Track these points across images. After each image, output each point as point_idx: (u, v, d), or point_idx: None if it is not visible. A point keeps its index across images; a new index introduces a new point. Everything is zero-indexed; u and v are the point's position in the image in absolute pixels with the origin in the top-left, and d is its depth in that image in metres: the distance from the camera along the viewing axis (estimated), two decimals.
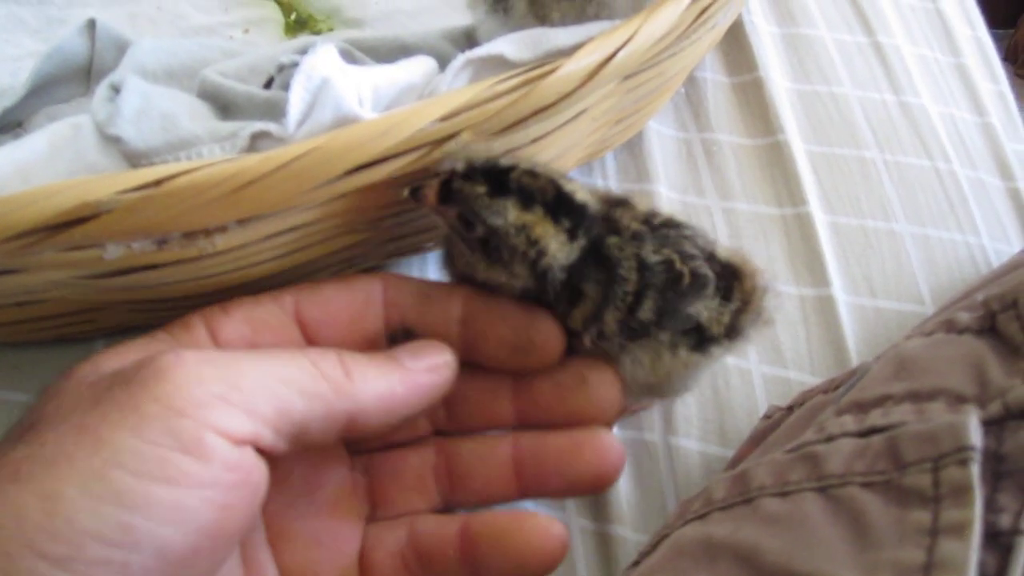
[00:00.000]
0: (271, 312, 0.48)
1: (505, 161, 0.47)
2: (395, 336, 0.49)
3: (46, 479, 0.35)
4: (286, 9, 0.81)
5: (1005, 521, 0.33)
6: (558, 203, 0.46)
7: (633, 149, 0.75)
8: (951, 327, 0.44)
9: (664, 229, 0.50)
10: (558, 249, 0.46)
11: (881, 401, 0.41)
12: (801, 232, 0.72)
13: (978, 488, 0.33)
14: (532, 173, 0.46)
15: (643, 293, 0.47)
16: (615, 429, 0.60)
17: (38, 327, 0.57)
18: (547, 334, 0.49)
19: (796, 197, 0.74)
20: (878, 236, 0.73)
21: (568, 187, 0.47)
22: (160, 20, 0.79)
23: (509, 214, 0.45)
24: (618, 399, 0.50)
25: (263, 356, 0.42)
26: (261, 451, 0.40)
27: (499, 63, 0.52)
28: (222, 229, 0.47)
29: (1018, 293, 0.41)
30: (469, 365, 0.49)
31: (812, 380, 0.63)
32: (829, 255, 0.71)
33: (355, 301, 0.49)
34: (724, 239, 0.71)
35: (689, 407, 0.62)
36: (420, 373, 0.46)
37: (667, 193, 0.73)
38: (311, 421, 0.41)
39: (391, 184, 0.48)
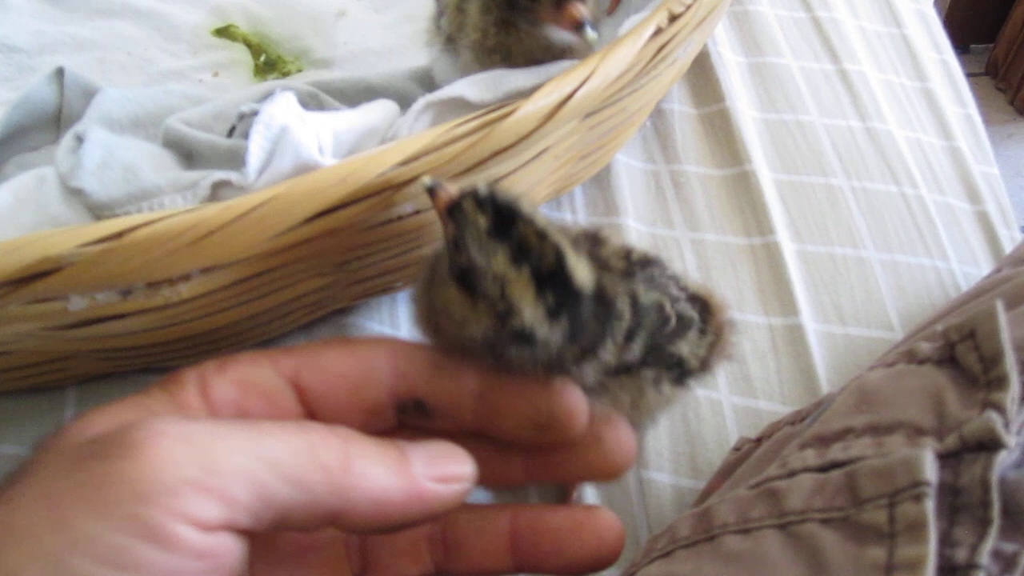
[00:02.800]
0: (266, 376, 0.45)
1: (525, 208, 0.43)
2: (405, 407, 0.47)
3: (10, 552, 0.34)
4: (255, 51, 0.82)
5: (961, 555, 0.33)
6: (551, 275, 0.43)
7: (601, 182, 0.76)
8: (912, 357, 0.44)
9: (645, 267, 0.50)
10: (533, 320, 0.43)
11: (843, 434, 0.41)
12: (769, 261, 0.73)
13: (932, 524, 0.33)
14: (542, 233, 0.43)
15: (633, 333, 0.47)
16: None
17: (8, 377, 0.57)
18: (569, 409, 0.46)
19: (764, 226, 0.75)
20: (846, 263, 0.74)
21: (571, 264, 0.43)
22: (130, 65, 0.79)
23: (495, 260, 0.42)
24: (633, 454, 0.49)
25: (253, 432, 0.39)
26: (237, 530, 0.38)
27: (460, 105, 0.53)
28: (186, 278, 0.47)
29: (976, 323, 0.41)
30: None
31: (783, 409, 0.64)
32: (798, 284, 0.72)
33: (357, 369, 0.46)
34: (693, 270, 0.72)
35: (660, 440, 0.62)
36: (429, 483, 0.42)
37: (636, 226, 0.74)
38: (294, 510, 0.38)
39: (357, 227, 0.49)
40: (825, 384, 0.66)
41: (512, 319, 0.43)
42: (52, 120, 0.69)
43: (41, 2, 0.83)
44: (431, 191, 0.44)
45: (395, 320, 0.66)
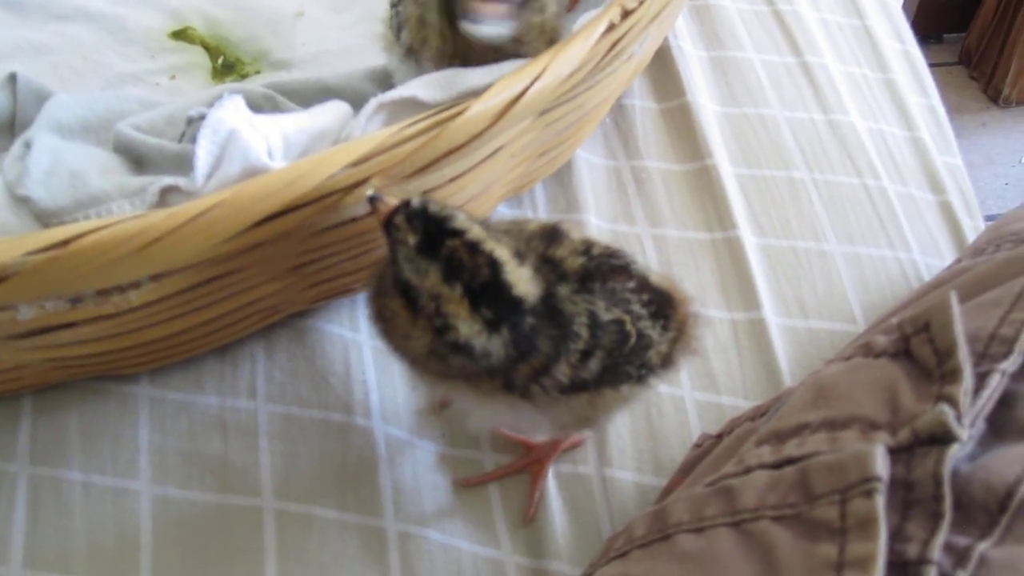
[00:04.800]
0: None
1: (456, 223, 0.43)
2: None
3: None
4: (213, 54, 0.81)
5: (913, 550, 0.33)
6: (488, 289, 0.42)
7: (562, 179, 0.76)
8: (868, 351, 0.44)
9: (607, 274, 0.49)
10: (471, 334, 0.43)
11: (798, 430, 0.41)
12: (731, 256, 0.73)
13: (882, 520, 0.33)
14: (474, 247, 0.42)
15: (591, 352, 0.46)
16: (551, 465, 0.60)
17: None
18: None
19: (725, 221, 0.74)
20: (808, 257, 0.74)
21: (510, 276, 0.43)
22: (85, 70, 0.78)
23: (428, 279, 0.42)
24: None
25: None
26: None
27: (413, 105, 0.52)
28: (136, 285, 0.47)
29: (930, 316, 0.41)
30: None
31: (745, 404, 0.64)
32: (760, 278, 0.71)
33: None
34: (655, 266, 0.71)
35: (623, 438, 0.62)
36: None
37: (597, 222, 0.73)
38: None
39: (308, 229, 0.48)
40: (788, 378, 0.66)
41: (448, 333, 0.43)
42: (6, 126, 0.68)
43: None
44: (372, 202, 0.44)
45: (355, 323, 0.66)
